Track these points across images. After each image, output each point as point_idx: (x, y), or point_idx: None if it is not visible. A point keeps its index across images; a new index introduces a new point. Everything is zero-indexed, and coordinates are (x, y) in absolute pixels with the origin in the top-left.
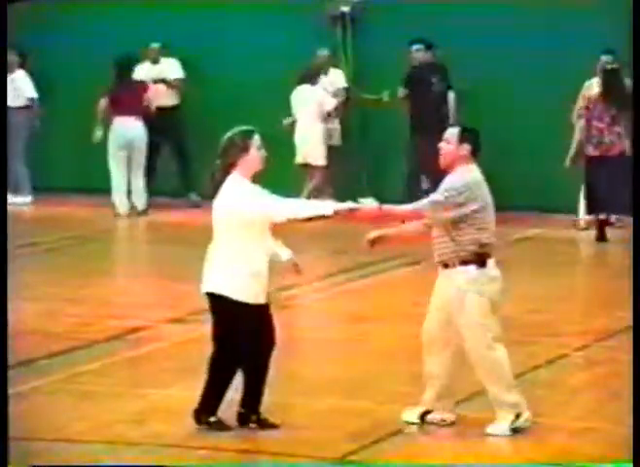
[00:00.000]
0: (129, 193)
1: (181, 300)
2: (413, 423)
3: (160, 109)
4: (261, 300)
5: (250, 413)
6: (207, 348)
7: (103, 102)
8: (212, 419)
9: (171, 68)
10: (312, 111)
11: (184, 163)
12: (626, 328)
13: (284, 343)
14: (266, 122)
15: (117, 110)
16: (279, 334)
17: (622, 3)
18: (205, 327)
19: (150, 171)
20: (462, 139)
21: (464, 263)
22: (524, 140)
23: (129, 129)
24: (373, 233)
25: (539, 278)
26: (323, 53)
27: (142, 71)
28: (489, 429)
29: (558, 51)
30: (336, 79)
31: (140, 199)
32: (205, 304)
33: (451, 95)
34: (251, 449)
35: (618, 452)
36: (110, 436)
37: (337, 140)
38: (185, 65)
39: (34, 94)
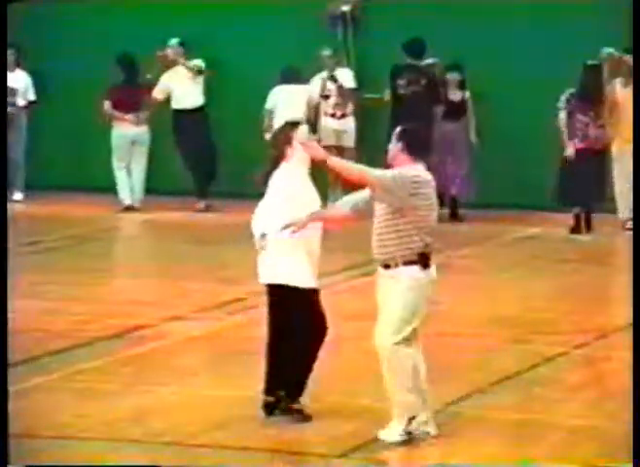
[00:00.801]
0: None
1: (182, 298)
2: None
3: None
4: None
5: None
6: (208, 347)
7: (107, 104)
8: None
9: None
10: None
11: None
12: (625, 326)
13: None
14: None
15: (120, 110)
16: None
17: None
18: (206, 325)
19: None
20: (398, 137)
21: (408, 263)
22: (525, 140)
23: (131, 128)
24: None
25: (538, 277)
26: (326, 52)
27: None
28: (381, 435)
29: (561, 50)
30: (344, 79)
31: (136, 196)
32: (205, 301)
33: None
34: (251, 446)
35: (616, 450)
36: (111, 434)
37: (347, 141)
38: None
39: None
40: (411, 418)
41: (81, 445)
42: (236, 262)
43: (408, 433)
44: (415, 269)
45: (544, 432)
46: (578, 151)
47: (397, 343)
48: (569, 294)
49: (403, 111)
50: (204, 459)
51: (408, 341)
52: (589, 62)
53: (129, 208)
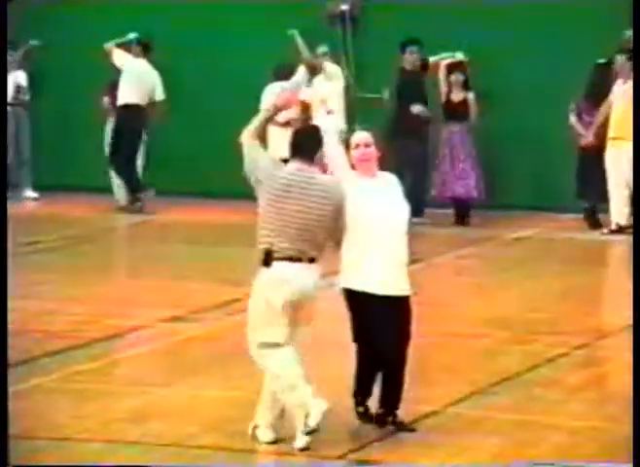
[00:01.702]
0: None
1: (180, 298)
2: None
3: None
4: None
5: (387, 413)
6: (207, 347)
7: (106, 100)
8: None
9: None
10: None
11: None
12: (626, 327)
13: None
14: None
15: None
16: None
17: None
18: (205, 325)
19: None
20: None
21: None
22: (525, 140)
23: None
24: None
25: (538, 277)
26: (322, 50)
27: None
28: (296, 443)
29: (567, 50)
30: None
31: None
32: (205, 301)
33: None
34: (251, 448)
35: (617, 451)
36: (109, 435)
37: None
38: (184, 65)
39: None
40: (307, 415)
41: (79, 445)
42: (235, 262)
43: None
44: (261, 268)
45: (544, 433)
46: (592, 148)
47: (260, 347)
48: (569, 294)
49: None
50: (203, 460)
51: (273, 346)
52: (599, 61)
53: (124, 208)
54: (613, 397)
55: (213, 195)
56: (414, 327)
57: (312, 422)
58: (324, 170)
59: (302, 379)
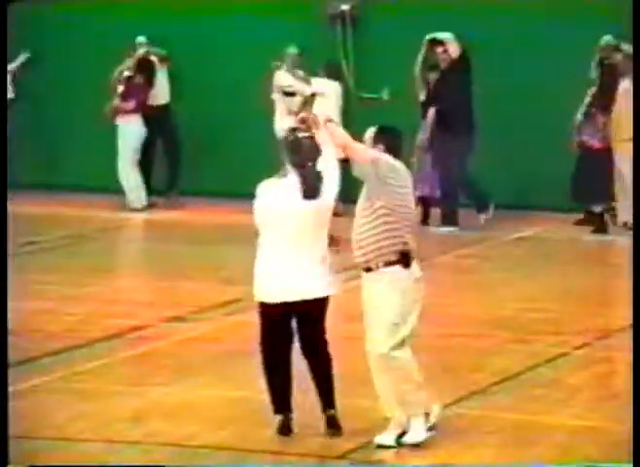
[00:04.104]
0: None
1: (181, 298)
2: (390, 447)
3: (154, 107)
4: None
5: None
6: (207, 347)
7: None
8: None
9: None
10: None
11: (174, 162)
12: (626, 327)
13: None
14: (263, 121)
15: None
16: None
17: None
18: (205, 325)
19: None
20: (376, 140)
21: (389, 264)
22: (525, 140)
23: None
24: None
25: (539, 277)
26: (292, 51)
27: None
28: (415, 437)
29: (567, 49)
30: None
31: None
32: (205, 301)
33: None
34: (251, 447)
35: (617, 451)
36: (109, 435)
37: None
38: (184, 65)
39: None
40: (427, 414)
41: (79, 445)
42: (235, 262)
43: (430, 428)
44: (397, 268)
45: (544, 433)
46: (597, 150)
47: (393, 348)
48: (569, 294)
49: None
50: (203, 460)
51: (402, 344)
52: (606, 62)
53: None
54: (613, 397)
55: (213, 194)
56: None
57: (434, 419)
58: None
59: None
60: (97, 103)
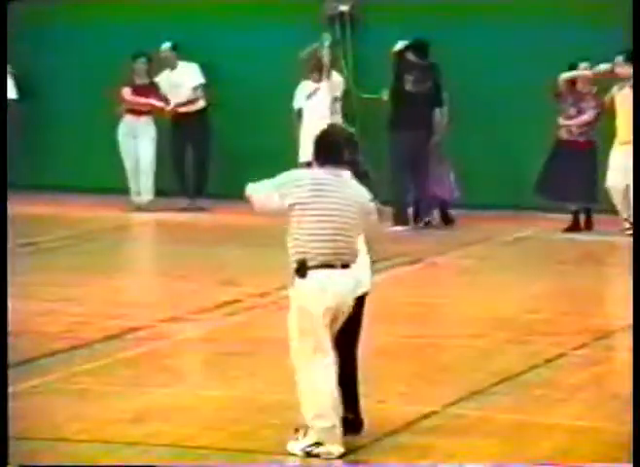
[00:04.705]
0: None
1: (180, 299)
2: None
3: (182, 113)
4: None
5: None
6: (207, 348)
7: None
8: None
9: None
10: (321, 107)
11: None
12: (625, 327)
13: (284, 343)
14: (263, 121)
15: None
16: (278, 334)
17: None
18: (205, 326)
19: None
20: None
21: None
22: (525, 140)
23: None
24: None
25: (538, 278)
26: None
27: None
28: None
29: (555, 53)
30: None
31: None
32: (204, 302)
33: (442, 111)
34: (250, 448)
35: (617, 451)
36: (108, 435)
37: None
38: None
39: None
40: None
41: (79, 446)
42: (234, 263)
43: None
44: (296, 279)
45: (543, 433)
46: (582, 148)
47: (300, 360)
48: (568, 295)
49: (406, 109)
50: (203, 460)
51: (311, 357)
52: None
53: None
54: (612, 397)
55: (211, 195)
56: (413, 327)
57: (306, 448)
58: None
59: (329, 409)
60: (97, 103)
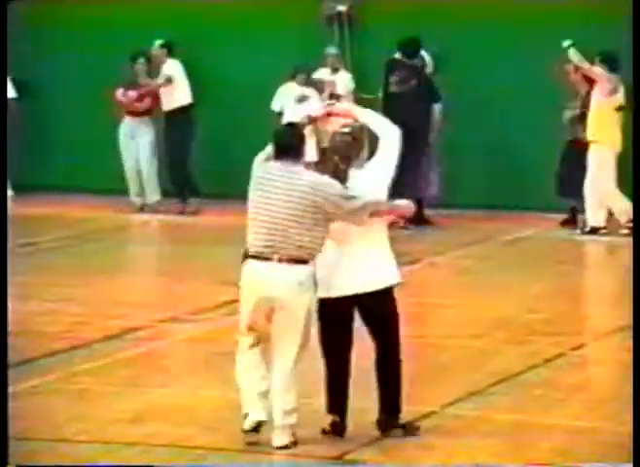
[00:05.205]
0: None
1: (180, 299)
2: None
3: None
4: None
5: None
6: (206, 347)
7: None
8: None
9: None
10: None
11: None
12: (624, 327)
13: None
14: (262, 121)
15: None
16: None
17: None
18: (204, 326)
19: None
20: None
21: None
22: (524, 140)
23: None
24: None
25: (536, 278)
26: (332, 51)
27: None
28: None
29: (555, 51)
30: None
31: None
32: (204, 302)
33: (437, 106)
34: (250, 448)
35: (616, 451)
36: (108, 436)
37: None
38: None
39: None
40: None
41: (78, 446)
42: (233, 263)
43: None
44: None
45: (543, 433)
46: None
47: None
48: (568, 295)
49: (393, 109)
50: (202, 461)
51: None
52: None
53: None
54: (611, 397)
55: (212, 195)
56: (412, 328)
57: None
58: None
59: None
60: (97, 103)
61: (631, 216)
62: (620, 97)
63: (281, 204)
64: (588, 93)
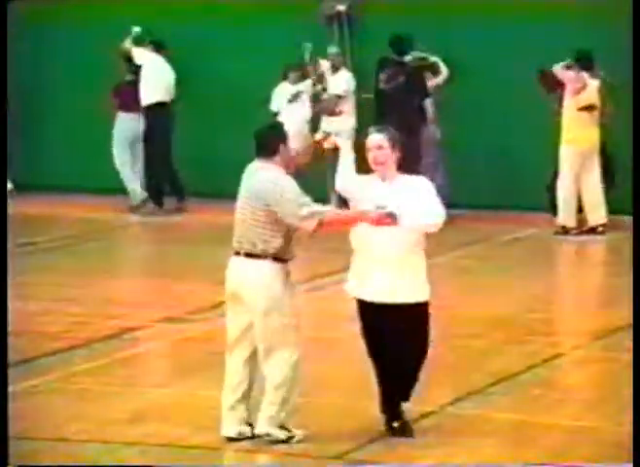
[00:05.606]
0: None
1: (178, 299)
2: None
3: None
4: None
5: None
6: (205, 347)
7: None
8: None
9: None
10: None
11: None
12: (623, 327)
13: None
14: (262, 121)
15: (121, 105)
16: None
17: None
18: (202, 326)
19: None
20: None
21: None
22: (524, 140)
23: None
24: None
25: (536, 278)
26: (333, 50)
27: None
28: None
29: (556, 50)
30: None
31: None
32: (203, 302)
33: (428, 101)
34: (249, 448)
35: (614, 451)
36: (107, 435)
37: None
38: (180, 65)
39: None
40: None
41: (78, 446)
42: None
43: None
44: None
45: (542, 433)
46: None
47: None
48: (566, 295)
49: (383, 106)
50: (201, 460)
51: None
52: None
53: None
54: (611, 397)
55: (211, 195)
56: None
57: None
58: (287, 166)
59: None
60: (97, 103)
61: (592, 218)
62: (586, 97)
63: (243, 201)
64: (562, 96)
